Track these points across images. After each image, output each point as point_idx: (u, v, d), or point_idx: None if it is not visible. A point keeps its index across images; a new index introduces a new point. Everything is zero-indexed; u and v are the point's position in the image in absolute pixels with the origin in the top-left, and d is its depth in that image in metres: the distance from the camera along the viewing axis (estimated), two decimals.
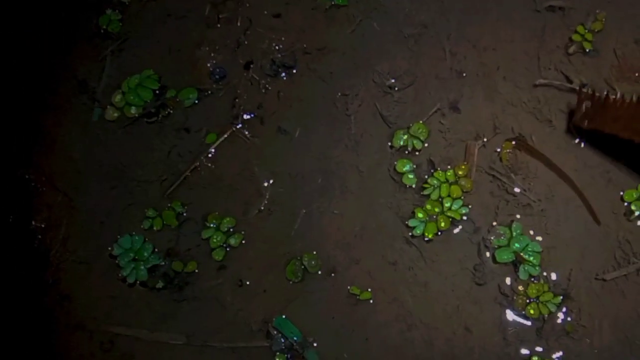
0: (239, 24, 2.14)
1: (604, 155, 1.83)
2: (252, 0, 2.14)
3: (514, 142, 1.90)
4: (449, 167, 1.89)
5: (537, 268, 1.76)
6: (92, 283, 1.90)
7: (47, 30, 2.18)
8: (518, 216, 1.83)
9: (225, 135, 2.01)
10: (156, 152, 2.01)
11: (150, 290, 1.87)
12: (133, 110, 2.05)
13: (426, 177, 1.88)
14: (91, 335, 1.85)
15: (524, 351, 1.72)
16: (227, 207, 1.93)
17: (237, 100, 2.04)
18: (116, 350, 1.84)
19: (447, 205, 1.83)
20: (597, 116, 1.73)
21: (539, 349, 1.72)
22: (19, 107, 2.10)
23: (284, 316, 1.81)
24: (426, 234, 1.82)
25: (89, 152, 2.04)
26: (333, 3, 2.10)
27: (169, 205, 1.94)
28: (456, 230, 1.84)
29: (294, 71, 2.06)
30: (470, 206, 1.84)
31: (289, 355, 1.77)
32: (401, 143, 1.92)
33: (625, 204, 1.80)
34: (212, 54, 2.11)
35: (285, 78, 2.06)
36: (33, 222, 1.98)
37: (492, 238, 1.81)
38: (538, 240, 1.80)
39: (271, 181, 1.95)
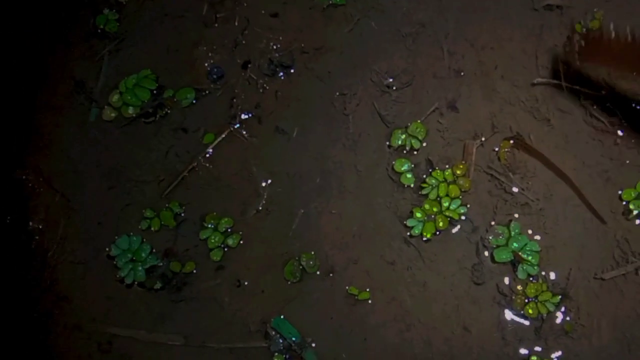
0: (236, 23, 2.13)
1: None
2: (250, 0, 2.14)
3: (512, 141, 1.90)
4: (447, 166, 1.89)
5: (535, 267, 1.75)
6: (89, 284, 1.90)
7: (44, 30, 2.17)
8: (516, 215, 1.83)
9: (223, 135, 2.00)
10: (154, 152, 2.01)
11: (148, 291, 1.86)
12: (130, 110, 2.04)
13: (424, 176, 1.88)
14: (89, 336, 1.85)
15: (523, 351, 1.72)
16: (225, 208, 1.92)
17: (234, 100, 2.04)
18: (114, 351, 1.83)
19: (445, 204, 1.83)
20: (589, 52, 1.78)
21: (537, 348, 1.71)
22: (16, 107, 2.09)
23: (282, 316, 1.81)
24: (424, 234, 1.82)
25: (87, 153, 2.04)
26: (331, 2, 2.10)
27: (167, 205, 1.93)
28: (454, 230, 1.84)
29: (292, 71, 2.06)
30: (468, 205, 1.84)
31: (287, 356, 1.76)
32: (399, 142, 1.92)
33: (624, 202, 1.80)
34: (210, 54, 2.10)
35: (283, 78, 2.06)
36: (30, 223, 1.97)
37: (490, 237, 1.80)
38: (536, 240, 1.80)
39: (269, 181, 1.95)
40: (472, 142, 1.90)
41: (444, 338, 1.75)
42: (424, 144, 1.92)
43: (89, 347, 1.85)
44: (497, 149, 1.89)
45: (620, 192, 1.81)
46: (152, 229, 1.91)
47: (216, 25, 2.14)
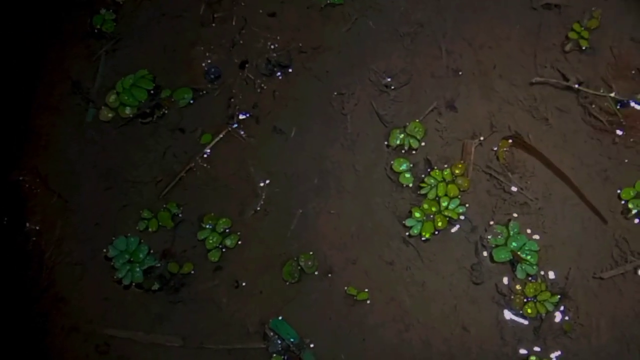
0: (234, 23, 2.13)
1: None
2: None
3: (510, 141, 1.90)
4: (445, 166, 1.88)
5: (534, 267, 1.75)
6: (87, 285, 1.89)
7: (41, 31, 2.16)
8: (515, 215, 1.82)
9: (221, 135, 2.00)
10: (151, 152, 2.00)
11: (146, 292, 1.85)
12: (127, 110, 2.03)
13: (423, 176, 1.87)
14: (86, 338, 1.84)
15: (522, 351, 1.72)
16: (223, 208, 1.92)
17: (232, 100, 2.03)
18: (112, 353, 1.82)
19: (444, 204, 1.82)
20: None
21: (536, 348, 1.71)
22: (12, 108, 2.08)
23: (280, 317, 1.80)
24: (423, 234, 1.81)
25: (83, 153, 2.03)
26: (328, 2, 2.09)
27: (165, 206, 1.92)
28: (453, 230, 1.83)
29: (290, 70, 2.05)
30: (467, 205, 1.84)
31: (285, 357, 1.76)
32: (398, 142, 1.92)
33: (623, 202, 1.80)
34: (207, 54, 2.09)
35: (280, 77, 2.05)
36: (27, 224, 1.96)
37: (489, 237, 1.80)
38: (535, 239, 1.79)
39: (267, 181, 1.94)
40: (470, 142, 1.90)
41: (443, 338, 1.75)
42: (423, 144, 1.92)
43: (86, 348, 1.84)
44: (495, 149, 1.89)
45: (619, 191, 1.81)
46: (150, 229, 1.91)
47: (213, 25, 2.13)
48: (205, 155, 1.98)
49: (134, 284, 1.86)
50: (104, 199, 1.97)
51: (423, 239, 1.82)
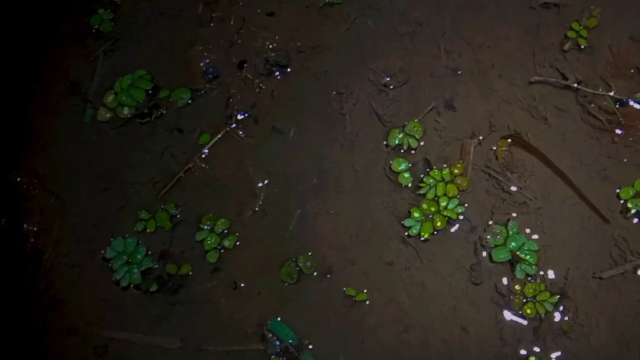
0: (232, 22, 2.12)
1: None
2: None
3: (509, 140, 1.89)
4: (445, 165, 1.88)
5: (533, 267, 1.75)
6: (85, 286, 1.88)
7: (38, 31, 2.16)
8: (514, 214, 1.82)
9: (219, 136, 1.99)
10: (149, 153, 2.00)
11: (144, 294, 1.85)
12: (125, 110, 2.03)
13: (422, 176, 1.87)
14: (84, 339, 1.84)
15: (522, 351, 1.71)
16: (221, 209, 1.91)
17: (230, 100, 2.03)
18: (110, 354, 1.82)
19: (443, 204, 1.82)
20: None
21: (536, 348, 1.71)
22: (9, 108, 2.07)
23: (279, 318, 1.79)
24: (422, 234, 1.81)
25: (81, 154, 2.02)
26: (327, 1, 2.09)
27: (163, 207, 1.92)
28: (452, 230, 1.83)
29: (288, 70, 2.05)
30: (466, 205, 1.83)
31: (284, 358, 1.75)
32: (396, 142, 1.91)
33: (622, 201, 1.79)
34: (205, 54, 2.09)
35: (279, 77, 2.04)
36: (25, 225, 1.96)
37: (488, 237, 1.80)
38: (534, 239, 1.79)
39: (266, 181, 1.94)
40: (469, 141, 1.90)
41: (442, 339, 1.74)
42: (422, 143, 1.92)
43: (84, 350, 1.83)
44: (494, 148, 1.89)
45: (618, 190, 1.80)
46: (148, 230, 1.90)
47: (212, 24, 2.13)
48: (203, 156, 1.98)
49: (132, 285, 1.85)
50: (102, 200, 1.96)
51: (422, 239, 1.82)
